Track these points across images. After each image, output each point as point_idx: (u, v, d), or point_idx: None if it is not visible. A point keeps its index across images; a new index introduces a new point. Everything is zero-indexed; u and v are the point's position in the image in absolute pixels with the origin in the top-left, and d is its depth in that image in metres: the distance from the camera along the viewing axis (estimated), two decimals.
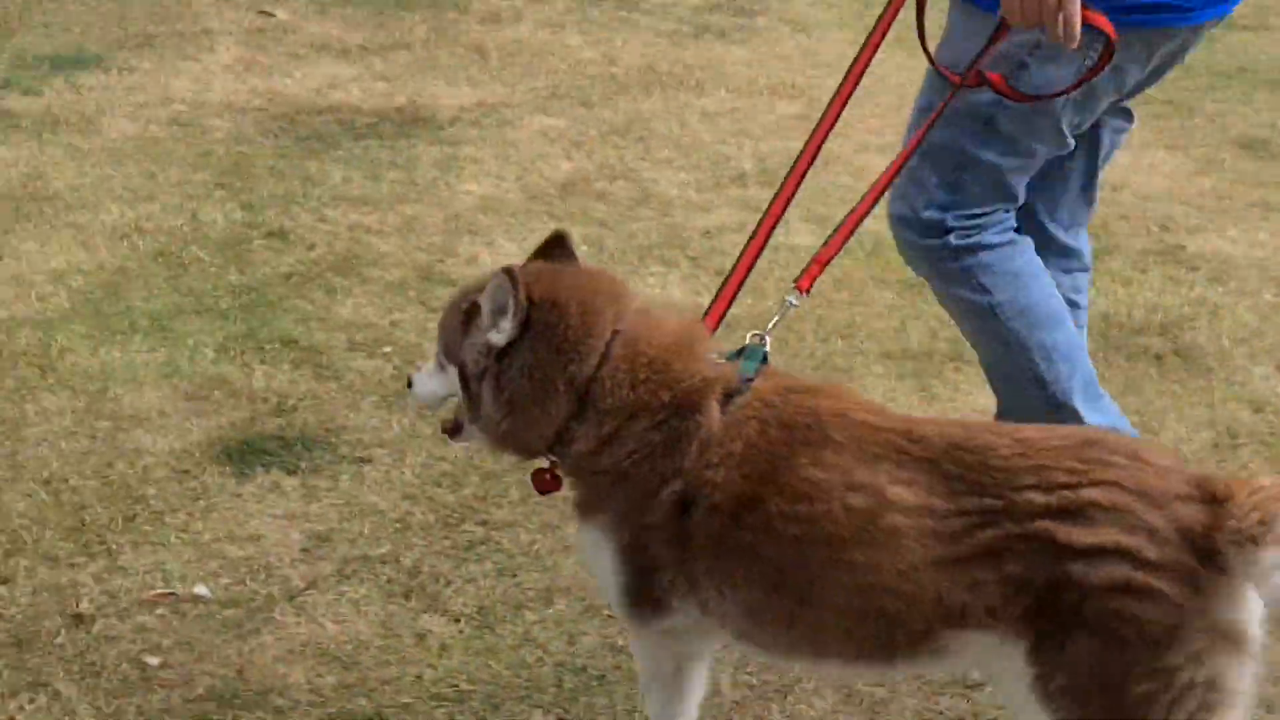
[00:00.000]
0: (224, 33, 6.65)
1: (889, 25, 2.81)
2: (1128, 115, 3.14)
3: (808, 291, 2.57)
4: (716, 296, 2.59)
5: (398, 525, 3.27)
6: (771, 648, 2.40)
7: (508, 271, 2.33)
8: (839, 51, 6.34)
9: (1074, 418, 3.03)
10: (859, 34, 3.13)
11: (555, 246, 2.51)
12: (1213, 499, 2.06)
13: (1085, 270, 3.27)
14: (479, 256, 4.55)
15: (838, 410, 2.28)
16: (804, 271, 2.58)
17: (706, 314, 2.57)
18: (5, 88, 5.83)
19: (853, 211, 2.64)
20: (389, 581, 3.09)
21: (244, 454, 3.50)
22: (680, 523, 2.29)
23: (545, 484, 2.48)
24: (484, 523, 3.28)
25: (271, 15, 6.91)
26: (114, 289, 4.26)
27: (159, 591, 3.04)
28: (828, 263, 2.59)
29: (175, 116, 5.63)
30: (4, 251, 4.45)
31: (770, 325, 2.46)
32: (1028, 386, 3.05)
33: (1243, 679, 2.07)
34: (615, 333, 2.36)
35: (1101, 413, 3.10)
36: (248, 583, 3.07)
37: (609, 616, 2.99)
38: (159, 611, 2.98)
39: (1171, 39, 2.90)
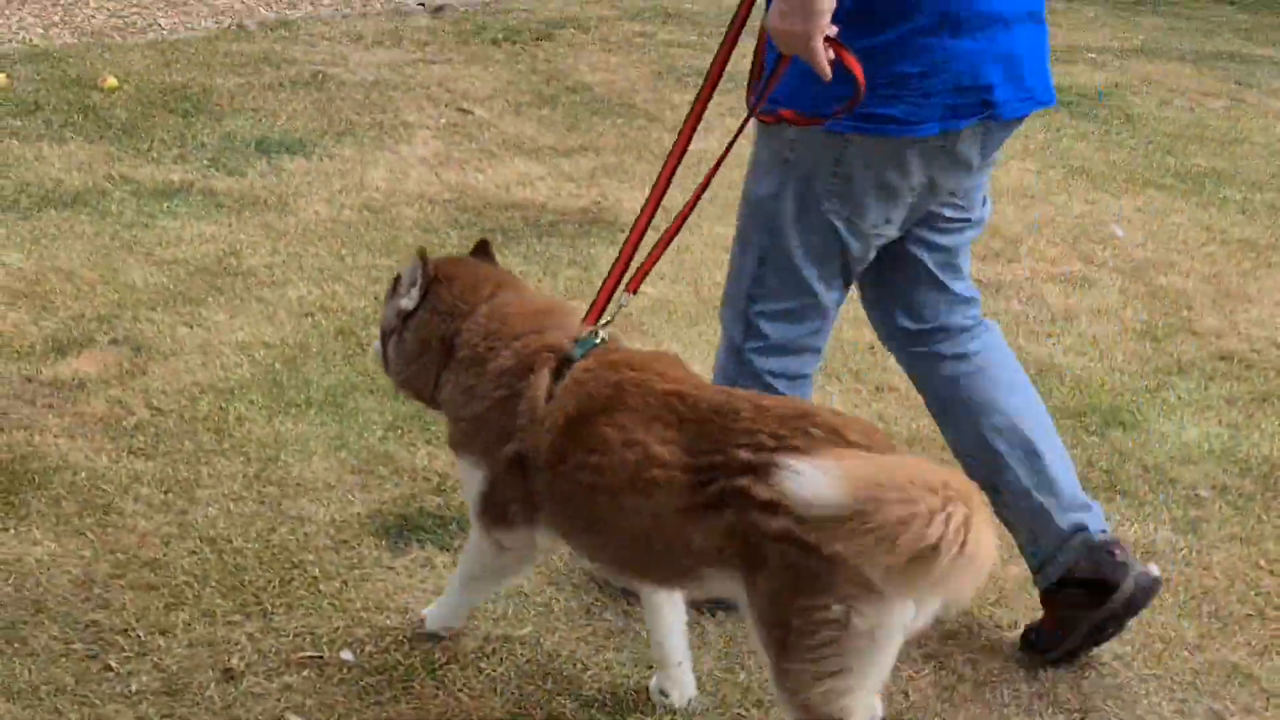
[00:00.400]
0: (422, 126, 6.89)
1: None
2: (961, 219, 3.26)
3: (634, 292, 3.05)
4: (598, 294, 3.05)
5: (541, 608, 3.35)
6: (609, 575, 3.06)
7: (420, 253, 3.00)
8: None
9: None
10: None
11: (480, 250, 3.14)
12: None
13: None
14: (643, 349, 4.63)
15: (639, 380, 2.71)
16: (634, 276, 3.05)
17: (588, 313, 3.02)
18: (212, 167, 6.10)
19: (677, 217, 3.10)
20: (527, 662, 3.16)
21: (401, 529, 3.61)
22: (520, 473, 2.79)
23: None
24: (625, 613, 3.34)
25: (469, 113, 7.15)
26: (294, 363, 4.42)
27: (307, 654, 3.14)
28: (650, 269, 3.06)
29: (368, 203, 5.84)
30: (195, 321, 4.66)
31: (608, 320, 2.93)
32: None
33: (882, 619, 2.45)
34: (486, 302, 2.93)
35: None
36: (391, 652, 3.16)
37: (738, 715, 3.03)
38: (305, 673, 3.08)
39: (949, 138, 3.02)
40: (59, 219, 5.39)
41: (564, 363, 2.79)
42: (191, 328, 4.62)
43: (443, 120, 7.03)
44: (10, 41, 8.02)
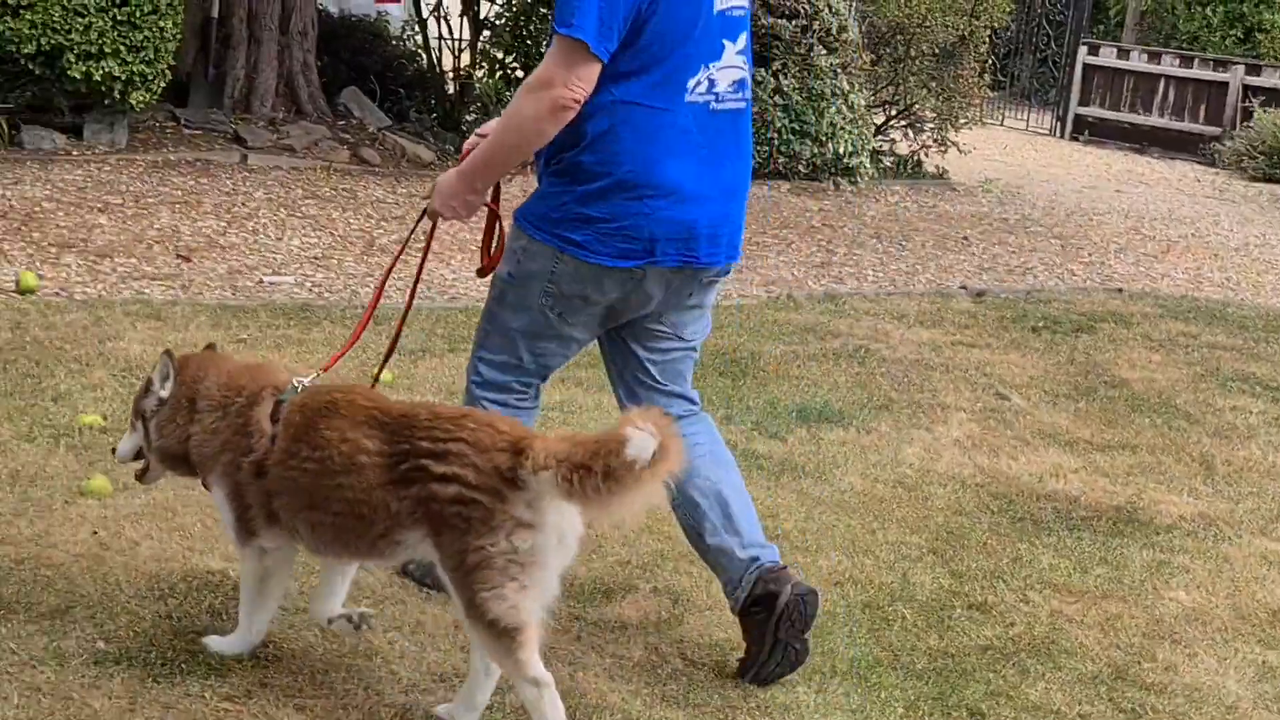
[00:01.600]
0: (958, 409, 7.01)
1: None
2: (670, 337, 4.32)
3: (327, 371, 4.12)
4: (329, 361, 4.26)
5: None
6: (320, 550, 3.88)
7: (167, 352, 4.03)
8: None
9: None
10: None
11: (209, 348, 4.19)
12: (518, 450, 3.53)
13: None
14: (1177, 666, 4.53)
15: (347, 399, 3.81)
16: (331, 360, 4.24)
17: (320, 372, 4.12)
18: (755, 430, 6.39)
19: (366, 310, 4.37)
20: None
21: None
22: (258, 480, 3.81)
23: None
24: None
25: (1006, 399, 7.23)
26: (820, 631, 4.54)
27: None
28: (345, 353, 4.28)
29: (901, 479, 5.97)
30: None
31: (311, 378, 3.96)
32: None
33: (536, 550, 3.52)
34: (214, 370, 3.99)
35: None
36: None
37: None
38: None
39: (634, 275, 4.07)
40: None
41: (280, 396, 3.87)
42: None
43: (979, 404, 7.13)
44: None
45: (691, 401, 4.47)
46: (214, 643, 4.03)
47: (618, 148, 3.99)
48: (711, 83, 4.06)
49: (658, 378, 4.37)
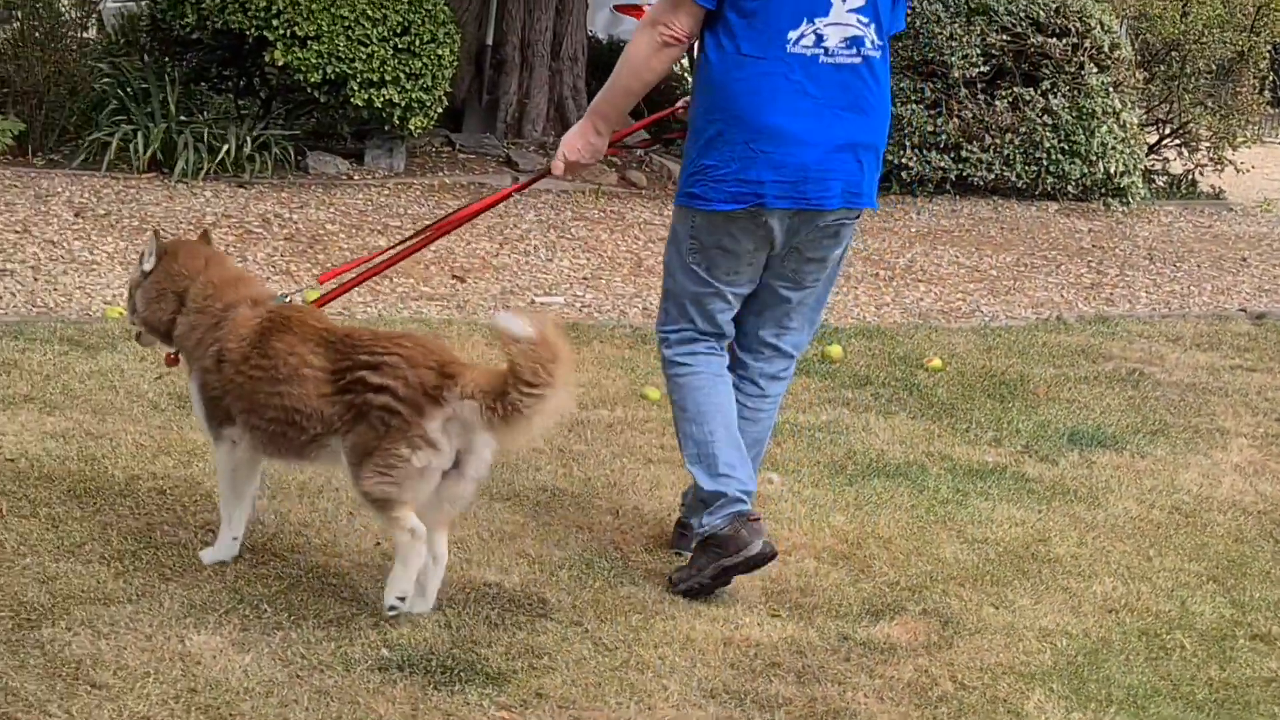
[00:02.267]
0: (1238, 434, 6.80)
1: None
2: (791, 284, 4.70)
3: (323, 283, 5.08)
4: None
5: None
6: (259, 449, 4.41)
7: (154, 232, 4.63)
8: None
9: (698, 477, 4.66)
10: None
11: (203, 238, 4.70)
12: (447, 373, 4.11)
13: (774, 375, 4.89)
14: None
15: (300, 318, 4.37)
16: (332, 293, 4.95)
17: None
18: (1025, 453, 6.30)
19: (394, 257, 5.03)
20: None
21: None
22: (219, 369, 4.36)
23: (170, 360, 4.65)
24: None
25: None
26: (1096, 657, 4.46)
27: None
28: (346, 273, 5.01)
29: (1178, 505, 5.82)
30: (1001, 603, 4.81)
31: (291, 295, 4.66)
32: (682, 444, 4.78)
33: (429, 469, 4.13)
34: (203, 272, 4.51)
35: (715, 481, 4.62)
36: None
37: None
38: None
39: (756, 219, 4.48)
40: (880, 488, 5.74)
41: (256, 305, 4.42)
42: (997, 608, 4.77)
43: (1260, 430, 6.91)
44: (846, 317, 8.67)
45: (782, 354, 4.87)
46: (207, 555, 4.57)
47: (725, 95, 4.43)
48: (819, 36, 4.39)
49: (778, 323, 4.81)
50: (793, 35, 4.37)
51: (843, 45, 4.42)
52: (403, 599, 4.25)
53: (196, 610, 4.26)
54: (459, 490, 4.25)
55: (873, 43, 4.47)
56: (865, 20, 4.43)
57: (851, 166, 4.52)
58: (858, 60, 4.45)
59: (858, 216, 4.65)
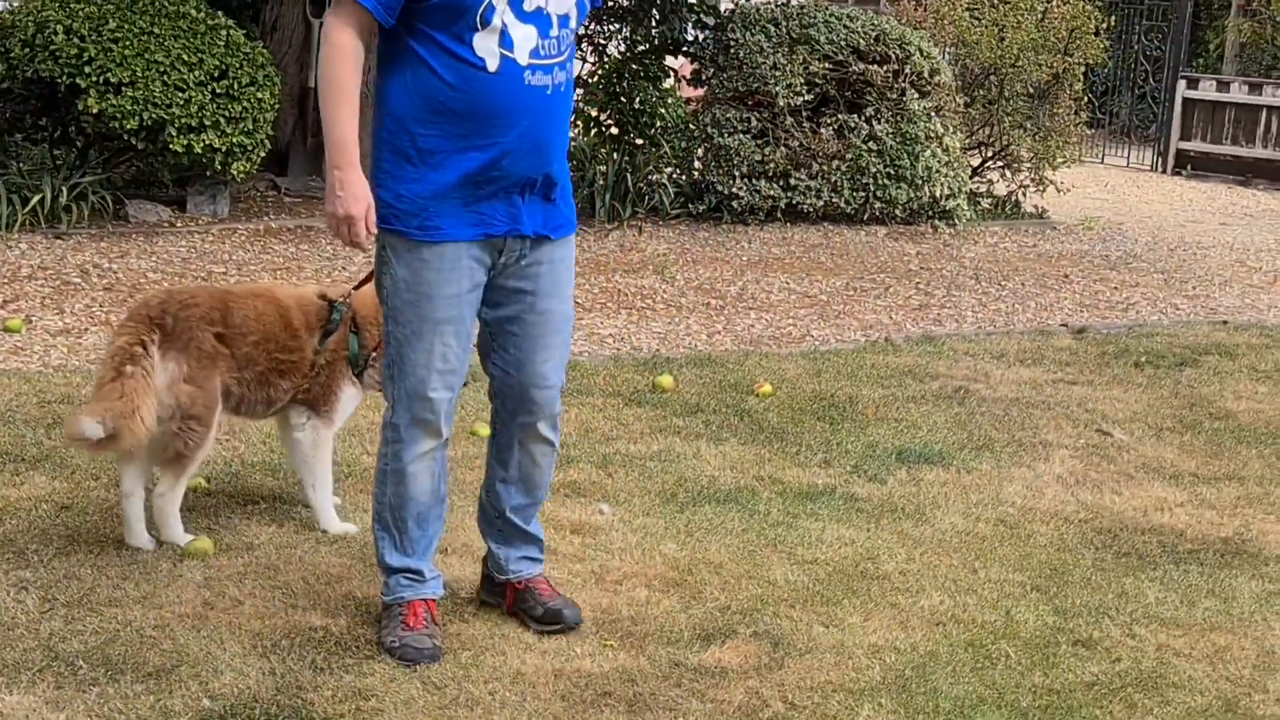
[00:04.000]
0: (1060, 446, 6.94)
1: None
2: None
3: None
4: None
5: None
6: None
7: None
8: None
9: None
10: None
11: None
12: None
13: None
14: None
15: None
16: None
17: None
18: (854, 473, 6.37)
19: None
20: None
21: None
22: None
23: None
24: None
25: (1109, 435, 7.14)
26: (922, 670, 4.51)
27: None
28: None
29: (1003, 517, 5.91)
30: (831, 621, 4.84)
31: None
32: None
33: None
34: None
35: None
36: None
37: None
38: None
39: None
40: (711, 514, 5.76)
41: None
42: (827, 627, 4.80)
43: (1081, 441, 7.05)
44: (677, 346, 8.70)
45: None
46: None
47: None
48: None
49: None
50: None
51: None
52: None
53: (9, 669, 4.14)
54: None
55: None
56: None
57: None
58: None
59: None
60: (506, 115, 4.22)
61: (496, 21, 4.18)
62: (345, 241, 4.33)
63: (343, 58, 4.25)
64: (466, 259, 4.32)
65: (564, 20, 4.29)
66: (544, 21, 4.25)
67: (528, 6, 4.21)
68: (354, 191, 4.25)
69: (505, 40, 4.20)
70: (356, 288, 5.17)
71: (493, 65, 4.19)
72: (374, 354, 5.14)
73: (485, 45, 4.19)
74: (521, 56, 4.22)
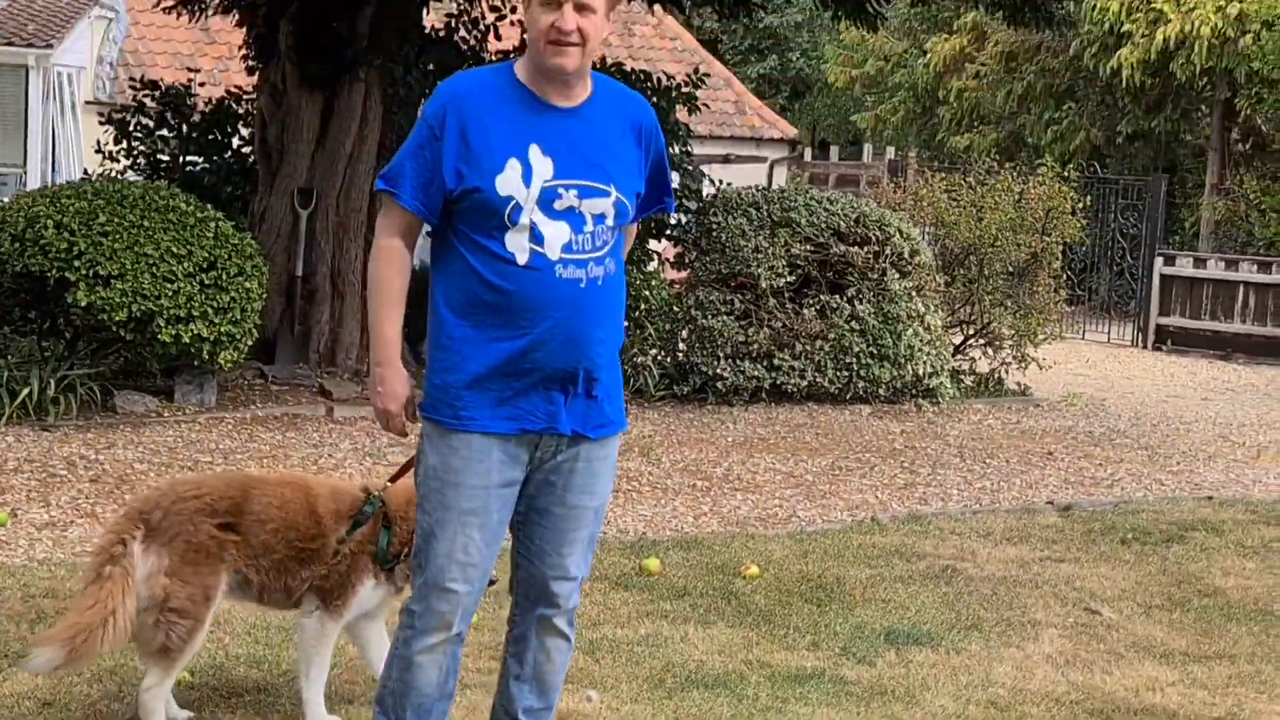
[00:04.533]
0: (1049, 625, 6.91)
1: None
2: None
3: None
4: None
5: None
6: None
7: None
8: None
9: None
10: None
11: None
12: None
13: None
14: None
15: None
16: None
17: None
18: (843, 655, 6.33)
19: None
20: None
21: None
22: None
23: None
24: None
25: (1097, 613, 7.12)
26: None
27: None
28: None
29: (993, 699, 5.87)
30: None
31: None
32: None
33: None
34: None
35: None
36: None
37: None
38: None
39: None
40: (700, 699, 5.72)
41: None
42: None
43: (1070, 619, 7.03)
44: (664, 529, 8.70)
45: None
46: None
47: None
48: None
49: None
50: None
51: None
52: None
53: None
54: None
55: None
56: None
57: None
58: None
59: None
60: (538, 307, 4.28)
61: (524, 220, 4.27)
62: (389, 431, 4.48)
63: (388, 260, 4.40)
64: (498, 452, 4.35)
65: (599, 219, 4.38)
66: (577, 220, 4.33)
67: (559, 206, 4.31)
68: (392, 389, 4.41)
69: (536, 236, 4.29)
70: (392, 480, 5.09)
71: (522, 259, 4.28)
72: (406, 551, 4.98)
73: (516, 241, 4.28)
74: (553, 251, 4.29)
